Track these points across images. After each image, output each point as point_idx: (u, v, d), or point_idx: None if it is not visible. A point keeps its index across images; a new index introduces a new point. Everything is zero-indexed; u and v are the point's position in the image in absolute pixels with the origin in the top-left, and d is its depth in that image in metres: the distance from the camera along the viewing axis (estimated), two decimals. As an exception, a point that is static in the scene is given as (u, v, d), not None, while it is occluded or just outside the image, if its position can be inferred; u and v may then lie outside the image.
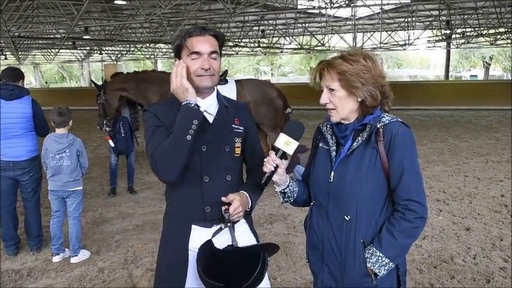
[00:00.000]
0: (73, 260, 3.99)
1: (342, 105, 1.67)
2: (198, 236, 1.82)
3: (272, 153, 1.74)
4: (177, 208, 1.89)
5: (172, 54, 1.99)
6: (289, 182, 1.83)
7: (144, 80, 5.79)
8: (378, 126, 1.64)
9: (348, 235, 1.66)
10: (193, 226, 1.85)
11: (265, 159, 1.76)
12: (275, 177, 1.77)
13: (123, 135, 5.85)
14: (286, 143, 1.73)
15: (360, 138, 1.66)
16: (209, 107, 1.85)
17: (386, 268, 1.62)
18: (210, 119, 1.84)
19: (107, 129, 5.94)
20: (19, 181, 4.12)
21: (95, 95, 6.05)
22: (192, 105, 1.72)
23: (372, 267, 1.62)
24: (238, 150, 1.89)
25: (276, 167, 1.74)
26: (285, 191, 1.83)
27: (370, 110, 1.68)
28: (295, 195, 1.85)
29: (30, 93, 4.22)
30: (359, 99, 1.66)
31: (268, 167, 1.74)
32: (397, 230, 1.60)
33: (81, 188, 4.06)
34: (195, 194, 1.82)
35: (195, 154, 1.78)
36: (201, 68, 1.75)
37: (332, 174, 1.70)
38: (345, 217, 1.66)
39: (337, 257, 1.70)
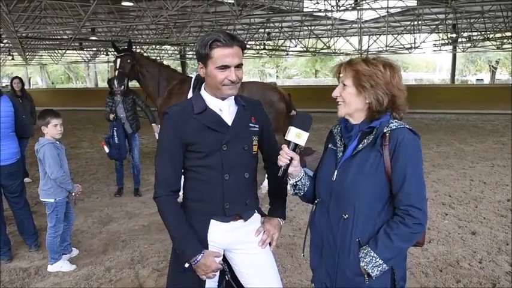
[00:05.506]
0: (48, 268, 3.83)
1: (350, 100, 1.73)
2: (217, 230, 1.95)
3: (285, 147, 1.80)
4: (197, 203, 1.96)
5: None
6: (303, 175, 1.89)
7: (166, 74, 6.05)
8: (385, 130, 1.68)
9: (345, 233, 1.70)
10: (212, 221, 1.94)
11: (280, 153, 1.81)
12: (290, 169, 1.83)
13: (116, 142, 5.80)
14: (297, 135, 1.79)
15: (365, 141, 1.70)
16: (229, 108, 1.93)
17: (379, 269, 1.64)
18: (229, 120, 1.91)
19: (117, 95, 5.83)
20: (5, 186, 3.99)
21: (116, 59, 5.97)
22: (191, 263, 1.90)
23: (365, 267, 1.65)
24: (255, 148, 2.00)
25: (291, 160, 1.80)
26: (297, 183, 1.88)
27: (375, 115, 1.71)
28: (306, 188, 1.90)
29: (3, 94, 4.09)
30: (367, 101, 1.70)
31: (283, 160, 1.80)
32: (394, 233, 1.63)
33: (52, 200, 3.69)
34: (215, 191, 1.91)
35: (216, 153, 1.88)
36: (228, 79, 1.82)
37: (335, 173, 1.75)
38: (343, 215, 1.70)
39: (334, 255, 1.74)
